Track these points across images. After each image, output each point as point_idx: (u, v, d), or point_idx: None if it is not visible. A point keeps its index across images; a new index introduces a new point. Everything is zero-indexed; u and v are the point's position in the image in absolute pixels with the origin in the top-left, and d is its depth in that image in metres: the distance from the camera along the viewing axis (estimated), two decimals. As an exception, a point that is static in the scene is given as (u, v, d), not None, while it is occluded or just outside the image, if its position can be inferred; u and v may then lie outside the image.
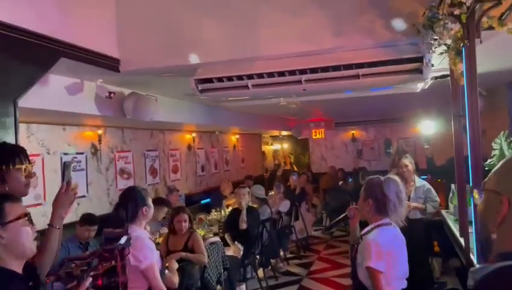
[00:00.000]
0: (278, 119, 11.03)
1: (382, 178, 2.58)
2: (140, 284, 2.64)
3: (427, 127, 9.19)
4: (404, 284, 2.46)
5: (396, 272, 2.40)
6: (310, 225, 8.54)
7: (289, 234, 7.68)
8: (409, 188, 4.41)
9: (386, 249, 2.36)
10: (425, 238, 4.68)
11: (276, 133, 13.67)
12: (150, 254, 2.64)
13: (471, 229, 2.72)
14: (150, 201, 2.89)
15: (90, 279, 1.46)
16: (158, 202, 4.90)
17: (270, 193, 8.27)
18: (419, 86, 4.16)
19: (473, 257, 2.72)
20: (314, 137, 12.97)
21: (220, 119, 7.76)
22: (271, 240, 6.56)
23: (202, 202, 8.56)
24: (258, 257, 6.10)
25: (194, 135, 8.88)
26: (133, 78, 4.23)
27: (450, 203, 4.73)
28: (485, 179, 1.23)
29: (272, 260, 6.73)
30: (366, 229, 2.54)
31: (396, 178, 2.60)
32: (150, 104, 4.80)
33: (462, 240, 3.25)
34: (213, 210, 7.00)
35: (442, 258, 5.50)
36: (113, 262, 1.48)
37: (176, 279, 3.48)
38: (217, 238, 5.22)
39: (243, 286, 5.56)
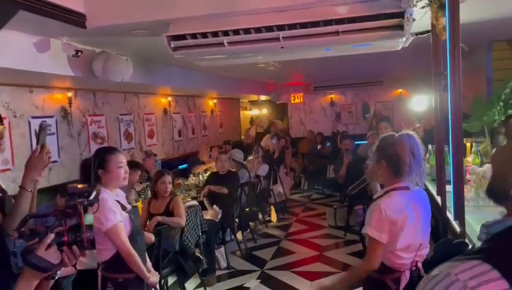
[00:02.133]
0: (256, 83, 10.84)
1: (396, 135, 2.29)
2: (109, 246, 2.57)
3: (418, 103, 7.52)
4: (410, 257, 2.21)
5: (399, 244, 2.16)
6: (288, 188, 8.58)
7: (268, 197, 7.72)
8: None
9: (390, 217, 2.13)
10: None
11: (254, 98, 13.49)
12: (112, 215, 2.54)
13: (449, 189, 2.71)
14: (111, 166, 2.70)
15: (53, 235, 1.34)
16: (130, 165, 4.76)
17: (249, 158, 8.23)
18: (400, 43, 4.07)
19: (450, 215, 2.73)
20: (292, 101, 12.87)
21: (196, 82, 7.54)
22: (250, 203, 6.56)
23: (180, 167, 8.45)
24: (236, 220, 6.11)
25: (169, 98, 8.64)
26: (103, 36, 3.99)
27: (427, 164, 4.75)
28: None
29: (250, 223, 6.75)
30: (378, 193, 2.31)
31: (413, 133, 2.29)
32: (121, 63, 4.57)
33: (439, 199, 3.27)
34: (191, 175, 6.93)
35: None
36: (77, 219, 1.37)
37: (151, 236, 3.56)
38: (194, 202, 5.16)
39: (222, 249, 5.57)
